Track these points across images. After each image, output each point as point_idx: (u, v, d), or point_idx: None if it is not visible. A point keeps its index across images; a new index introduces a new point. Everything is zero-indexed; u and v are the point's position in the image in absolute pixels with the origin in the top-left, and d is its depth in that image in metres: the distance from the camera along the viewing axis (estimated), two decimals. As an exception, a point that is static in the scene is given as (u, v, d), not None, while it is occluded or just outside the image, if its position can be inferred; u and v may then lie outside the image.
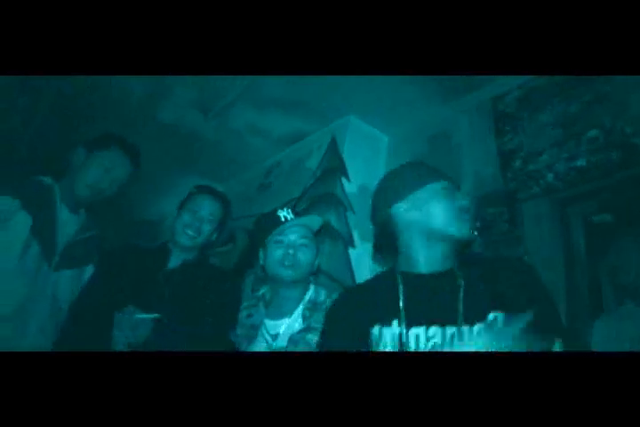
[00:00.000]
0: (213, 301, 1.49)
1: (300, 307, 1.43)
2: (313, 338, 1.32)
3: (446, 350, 0.94)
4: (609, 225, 1.83)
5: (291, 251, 1.44)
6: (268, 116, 2.76)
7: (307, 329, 1.36)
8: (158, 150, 3.13)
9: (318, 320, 1.33)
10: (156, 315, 1.41)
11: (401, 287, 1.07)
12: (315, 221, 1.56)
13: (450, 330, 0.96)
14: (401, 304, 1.04)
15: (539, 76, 1.99)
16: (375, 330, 1.03)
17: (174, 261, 1.59)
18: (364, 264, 2.25)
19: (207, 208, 1.61)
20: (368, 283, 1.23)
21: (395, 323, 1.02)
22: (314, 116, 2.70)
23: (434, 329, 0.97)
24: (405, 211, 1.12)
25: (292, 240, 1.46)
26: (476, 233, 1.13)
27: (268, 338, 1.40)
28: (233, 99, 2.63)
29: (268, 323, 1.43)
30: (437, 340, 0.96)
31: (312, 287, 1.49)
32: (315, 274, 1.57)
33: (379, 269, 2.26)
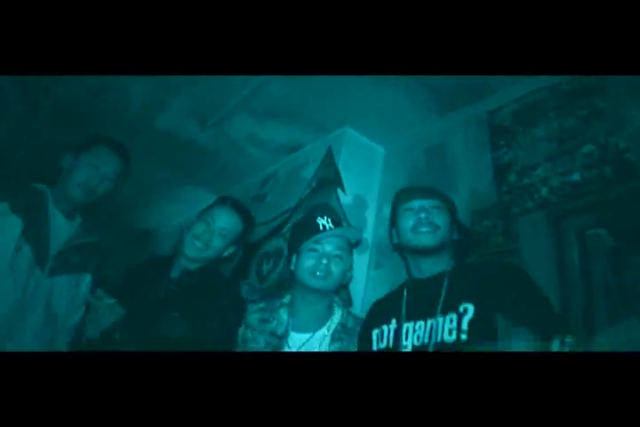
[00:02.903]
0: (213, 312, 1.44)
1: (326, 328, 1.40)
2: None
3: (427, 340, 1.16)
4: (604, 240, 1.83)
5: (324, 261, 1.40)
6: (265, 126, 2.77)
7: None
8: (156, 158, 3.14)
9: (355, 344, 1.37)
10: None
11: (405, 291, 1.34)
12: (353, 233, 1.55)
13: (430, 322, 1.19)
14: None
15: (535, 91, 2.00)
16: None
17: (175, 271, 1.54)
18: (360, 276, 2.24)
19: (223, 221, 1.52)
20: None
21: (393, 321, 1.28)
22: (311, 127, 2.71)
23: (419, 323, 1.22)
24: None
25: (327, 250, 1.43)
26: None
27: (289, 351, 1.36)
28: (231, 109, 2.64)
29: (293, 335, 1.39)
30: (420, 332, 1.20)
31: (340, 311, 1.47)
32: (345, 286, 1.55)
33: (372, 280, 2.25)
